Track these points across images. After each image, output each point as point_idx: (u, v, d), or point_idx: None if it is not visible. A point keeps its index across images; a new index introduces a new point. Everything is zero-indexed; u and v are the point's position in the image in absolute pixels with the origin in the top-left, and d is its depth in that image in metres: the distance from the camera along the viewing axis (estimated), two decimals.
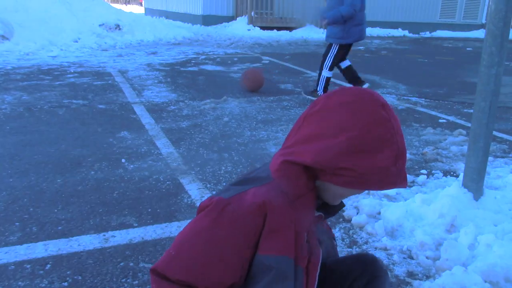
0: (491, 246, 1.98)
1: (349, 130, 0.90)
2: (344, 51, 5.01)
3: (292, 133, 1.00)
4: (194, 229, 0.96)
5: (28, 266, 1.92)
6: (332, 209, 1.07)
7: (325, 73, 5.05)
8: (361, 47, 11.36)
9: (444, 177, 3.00)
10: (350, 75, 5.26)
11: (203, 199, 2.61)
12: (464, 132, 4.01)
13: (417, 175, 3.02)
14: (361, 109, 0.91)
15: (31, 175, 2.86)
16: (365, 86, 5.06)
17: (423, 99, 5.57)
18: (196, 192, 2.70)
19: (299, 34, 13.63)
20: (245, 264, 0.96)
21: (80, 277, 1.85)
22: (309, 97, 5.20)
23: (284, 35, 13.06)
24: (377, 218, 2.37)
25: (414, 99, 5.55)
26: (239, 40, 11.89)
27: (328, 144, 0.91)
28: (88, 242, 2.12)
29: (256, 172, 1.03)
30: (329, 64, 5.00)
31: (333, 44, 4.97)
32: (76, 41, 9.48)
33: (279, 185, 0.95)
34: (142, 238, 2.17)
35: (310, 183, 0.98)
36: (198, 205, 2.64)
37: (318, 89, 5.13)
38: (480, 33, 16.11)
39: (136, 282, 1.83)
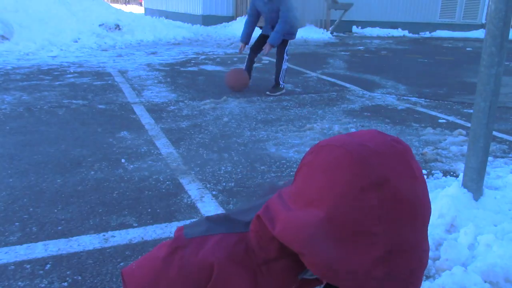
0: (491, 246, 1.98)
1: (319, 206, 0.67)
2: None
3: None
4: (150, 256, 0.90)
5: (28, 266, 1.92)
6: None
7: (285, 65, 5.54)
8: (361, 47, 11.36)
9: (444, 177, 3.00)
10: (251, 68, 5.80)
11: (203, 199, 2.61)
12: (464, 132, 4.01)
13: None
14: (339, 179, 0.66)
15: (31, 175, 2.86)
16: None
17: (423, 99, 5.57)
18: (196, 192, 2.70)
19: (299, 34, 13.59)
20: None
21: (80, 277, 1.85)
22: (275, 94, 5.46)
23: None
24: None
25: (414, 99, 5.55)
26: (239, 40, 11.88)
27: (297, 218, 0.70)
28: (88, 242, 2.12)
29: (245, 211, 0.89)
30: (287, 57, 5.57)
31: (287, 41, 5.52)
32: (76, 41, 9.48)
33: (249, 242, 0.80)
34: (142, 238, 2.17)
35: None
36: (197, 206, 2.64)
37: (281, 83, 5.53)
38: (480, 33, 16.10)
39: None
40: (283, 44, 5.42)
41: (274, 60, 5.64)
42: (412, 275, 0.67)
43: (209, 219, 0.89)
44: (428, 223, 0.69)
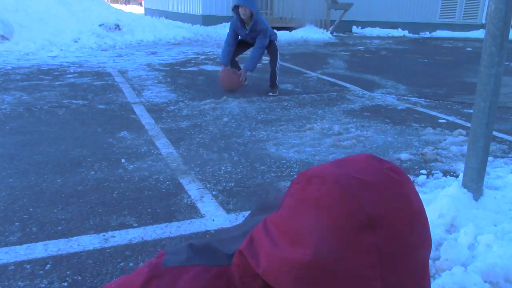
0: (491, 246, 1.98)
1: (307, 245, 0.61)
2: None
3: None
4: (128, 281, 0.86)
5: (28, 266, 1.92)
6: None
7: (278, 65, 5.64)
8: (361, 47, 11.36)
9: (444, 177, 3.00)
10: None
11: (203, 199, 2.61)
12: (464, 132, 4.01)
13: (417, 175, 3.02)
14: (329, 217, 0.60)
15: (31, 175, 2.86)
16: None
17: (423, 99, 5.57)
18: (196, 192, 2.70)
19: (299, 34, 13.62)
20: None
21: (80, 277, 1.85)
22: (272, 94, 5.52)
23: (283, 35, 13.05)
24: None
25: (414, 99, 5.55)
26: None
27: (283, 257, 0.63)
28: (88, 242, 2.12)
29: (234, 237, 0.85)
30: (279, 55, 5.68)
31: (274, 40, 5.64)
32: (76, 41, 9.48)
33: (231, 276, 0.75)
34: (142, 238, 2.17)
35: None
36: (197, 206, 2.63)
37: (276, 82, 5.63)
38: (480, 33, 16.11)
39: None
40: (271, 44, 5.51)
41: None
42: None
43: (191, 246, 0.85)
44: (428, 259, 0.65)
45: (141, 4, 29.72)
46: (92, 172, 2.94)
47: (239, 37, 5.53)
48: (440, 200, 2.33)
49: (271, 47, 5.54)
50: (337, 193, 0.60)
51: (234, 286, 0.75)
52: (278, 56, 5.63)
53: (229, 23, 5.56)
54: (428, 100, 5.53)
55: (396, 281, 0.59)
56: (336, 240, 0.59)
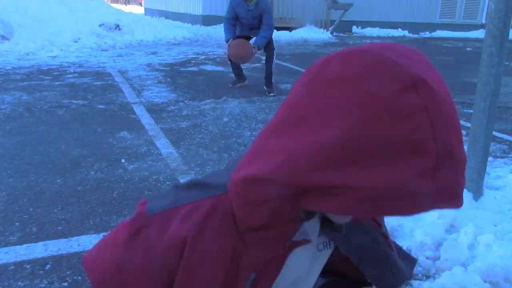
0: (491, 246, 1.98)
1: (337, 128, 0.53)
2: None
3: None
4: (109, 241, 0.77)
5: (28, 266, 1.92)
6: (336, 225, 0.73)
7: (275, 63, 5.64)
8: None
9: None
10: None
11: None
12: (464, 132, 4.01)
13: None
14: (366, 92, 0.53)
15: (31, 175, 2.86)
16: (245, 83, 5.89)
17: None
18: None
19: (299, 34, 13.63)
20: None
21: (80, 277, 1.85)
22: (272, 93, 5.50)
23: (283, 35, 13.06)
24: None
25: None
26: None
27: (303, 145, 0.55)
28: (88, 242, 2.12)
29: (218, 174, 0.76)
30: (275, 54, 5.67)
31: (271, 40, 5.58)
32: (76, 41, 9.48)
33: (228, 206, 0.68)
34: None
35: (286, 209, 0.63)
36: None
37: (273, 81, 5.62)
38: (480, 33, 16.11)
39: None
40: (269, 41, 5.49)
41: (274, 60, 5.63)
42: (457, 188, 0.56)
43: (177, 187, 0.75)
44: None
45: (141, 4, 29.72)
46: (92, 172, 2.94)
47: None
48: None
49: (269, 45, 5.50)
50: (370, 61, 0.54)
51: (234, 218, 0.67)
52: (275, 54, 5.61)
53: (228, 2, 5.45)
54: None
55: (446, 141, 0.53)
56: (378, 107, 0.52)
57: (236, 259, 0.68)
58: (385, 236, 0.86)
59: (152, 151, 3.37)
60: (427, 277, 1.92)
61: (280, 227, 0.66)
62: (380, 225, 0.85)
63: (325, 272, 0.92)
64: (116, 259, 0.73)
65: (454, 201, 0.55)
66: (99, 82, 5.86)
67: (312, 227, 0.72)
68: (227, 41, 5.45)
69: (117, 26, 11.06)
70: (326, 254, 0.81)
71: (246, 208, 0.65)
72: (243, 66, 5.90)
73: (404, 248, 2.11)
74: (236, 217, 0.67)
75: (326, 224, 0.73)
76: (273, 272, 0.71)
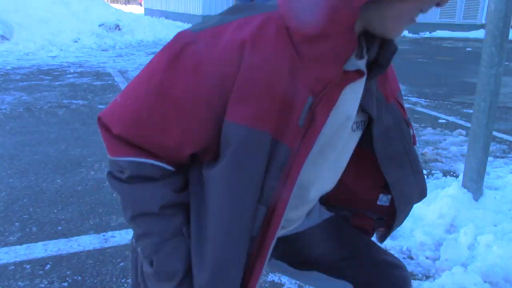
0: (491, 246, 1.98)
1: None
2: None
3: None
4: (145, 72, 0.70)
5: (28, 266, 1.92)
6: (382, 57, 0.75)
7: None
8: None
9: (444, 177, 3.00)
10: None
11: None
12: (464, 132, 4.01)
13: None
14: None
15: (31, 175, 2.86)
16: None
17: (423, 99, 5.57)
18: None
19: None
20: (205, 129, 0.67)
21: (80, 277, 1.85)
22: None
23: None
24: None
25: (414, 99, 5.55)
26: None
27: None
28: (88, 242, 2.12)
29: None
30: None
31: None
32: (76, 41, 9.48)
33: (281, 20, 0.65)
34: None
35: (344, 11, 0.61)
36: None
37: None
38: (480, 33, 16.10)
39: None
40: None
41: None
42: None
43: (222, 12, 0.72)
44: None
45: (141, 4, 29.72)
46: (92, 172, 2.94)
47: None
48: (440, 200, 2.33)
49: None
50: None
51: (288, 31, 0.65)
52: None
53: (228, 2, 5.46)
54: (428, 100, 5.53)
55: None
56: None
57: (294, 74, 0.65)
58: (409, 124, 0.89)
59: None
60: (427, 277, 1.92)
61: (336, 38, 0.64)
62: (405, 112, 0.89)
63: (330, 206, 1.01)
64: (157, 82, 0.66)
65: None
66: (99, 82, 5.86)
67: (362, 66, 0.72)
68: None
69: (117, 26, 11.06)
70: (358, 135, 0.83)
71: (302, 16, 0.63)
72: None
73: (404, 248, 2.11)
74: (290, 28, 0.65)
75: (374, 65, 0.75)
76: (330, 101, 0.68)
